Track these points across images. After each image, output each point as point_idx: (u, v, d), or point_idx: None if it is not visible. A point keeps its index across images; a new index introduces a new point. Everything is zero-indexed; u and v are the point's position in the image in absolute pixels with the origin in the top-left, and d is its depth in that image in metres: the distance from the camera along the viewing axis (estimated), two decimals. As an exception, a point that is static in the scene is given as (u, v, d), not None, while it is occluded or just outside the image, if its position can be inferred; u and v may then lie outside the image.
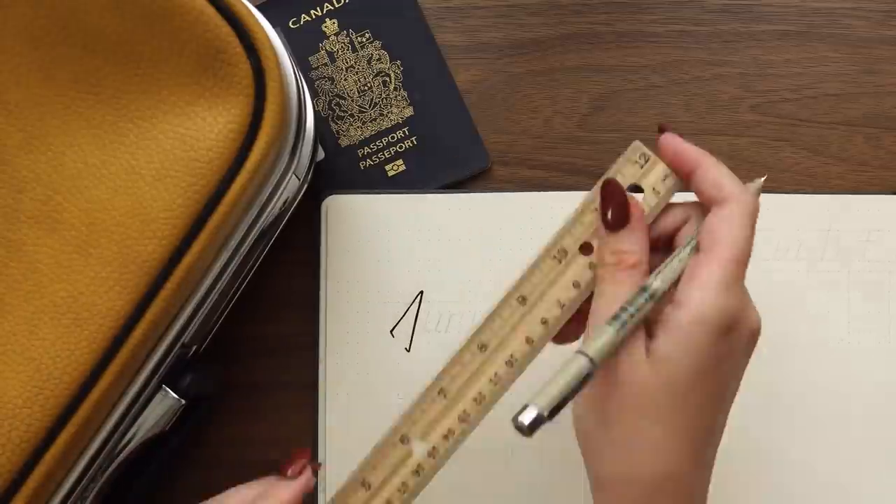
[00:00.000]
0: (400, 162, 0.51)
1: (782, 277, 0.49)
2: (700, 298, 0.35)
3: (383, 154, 0.51)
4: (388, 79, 0.51)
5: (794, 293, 0.49)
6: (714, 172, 0.37)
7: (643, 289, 0.36)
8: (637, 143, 0.38)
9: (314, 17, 0.51)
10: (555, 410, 0.34)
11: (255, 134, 0.37)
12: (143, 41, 0.37)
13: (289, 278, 0.50)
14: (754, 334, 0.37)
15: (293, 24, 0.51)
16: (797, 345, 0.49)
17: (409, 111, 0.51)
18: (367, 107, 0.51)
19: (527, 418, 0.34)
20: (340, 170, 0.51)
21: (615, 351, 0.35)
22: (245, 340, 0.50)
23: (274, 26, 0.39)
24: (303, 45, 0.51)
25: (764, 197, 0.49)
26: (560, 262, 0.38)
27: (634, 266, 0.37)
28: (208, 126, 0.37)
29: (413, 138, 0.51)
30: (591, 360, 0.35)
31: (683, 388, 0.35)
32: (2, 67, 0.37)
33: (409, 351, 0.49)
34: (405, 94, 0.51)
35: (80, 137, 0.37)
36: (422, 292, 0.49)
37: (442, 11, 0.51)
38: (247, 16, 0.37)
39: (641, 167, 0.38)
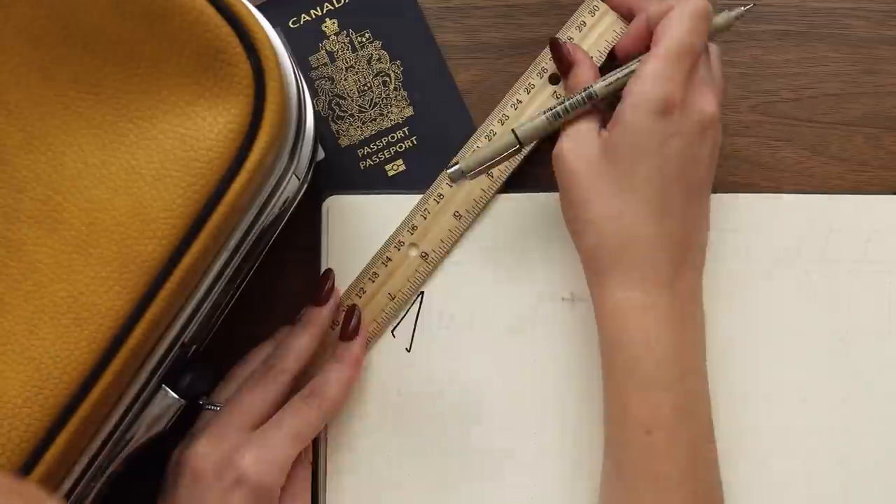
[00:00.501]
0: (400, 162, 0.51)
1: (782, 277, 0.49)
2: (636, 88, 0.41)
3: (383, 154, 0.51)
4: (388, 79, 0.51)
5: (794, 293, 0.49)
6: None
7: (585, 89, 0.43)
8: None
9: (314, 16, 0.51)
10: (476, 172, 0.45)
11: (255, 134, 0.37)
12: (143, 41, 0.37)
13: (289, 278, 0.50)
14: (703, 117, 0.42)
15: (293, 24, 0.51)
16: (796, 345, 0.49)
17: (409, 111, 0.51)
18: (366, 107, 0.51)
19: (452, 170, 0.44)
20: (340, 170, 0.51)
21: (539, 135, 0.44)
22: (245, 340, 0.50)
23: (274, 26, 0.39)
24: (303, 45, 0.51)
25: (764, 197, 0.49)
26: (541, 77, 0.48)
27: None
28: (208, 126, 0.37)
29: (413, 138, 0.51)
30: (516, 136, 0.44)
31: (628, 164, 0.41)
32: (2, 67, 0.37)
33: (409, 351, 0.49)
34: (405, 94, 0.51)
35: (80, 137, 0.37)
36: (422, 292, 0.49)
37: (442, 11, 0.51)
38: (247, 16, 0.37)
39: (593, 15, 0.48)
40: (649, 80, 0.41)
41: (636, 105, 0.41)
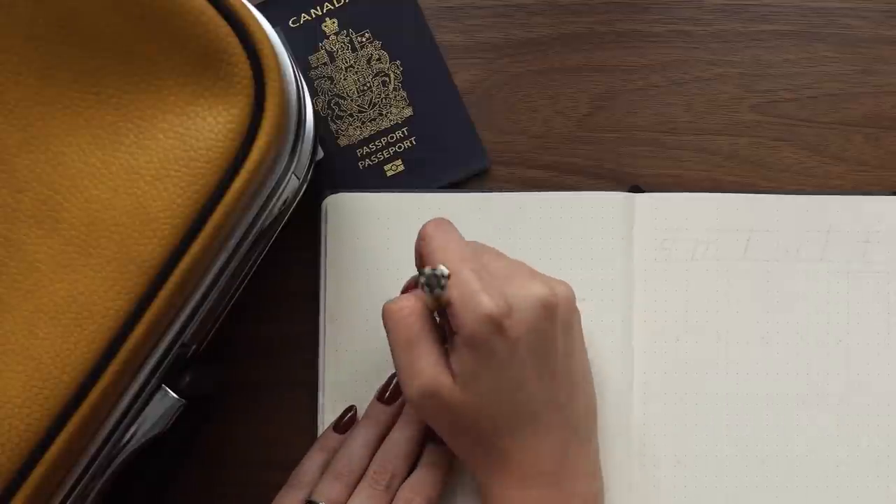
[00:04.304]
0: (399, 162, 0.51)
1: (782, 278, 0.49)
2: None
3: (382, 154, 0.51)
4: (387, 79, 0.51)
5: (794, 294, 0.49)
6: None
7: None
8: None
9: (314, 16, 0.51)
10: None
11: (255, 133, 0.37)
12: (143, 41, 0.37)
13: (289, 278, 0.50)
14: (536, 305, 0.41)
15: (293, 23, 0.51)
16: (796, 345, 0.49)
17: (408, 111, 0.51)
18: (366, 107, 0.51)
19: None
20: (339, 170, 0.51)
21: None
22: (245, 340, 0.50)
23: (274, 26, 0.39)
24: (303, 44, 0.51)
25: (764, 197, 0.49)
26: None
27: None
28: (208, 126, 0.37)
29: (412, 138, 0.51)
30: None
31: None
32: (2, 67, 0.37)
33: (408, 351, 0.49)
34: (404, 94, 0.51)
35: (80, 137, 0.37)
36: (422, 292, 0.49)
37: (442, 11, 0.51)
38: (247, 16, 0.37)
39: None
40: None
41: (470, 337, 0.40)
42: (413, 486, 0.45)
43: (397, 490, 0.45)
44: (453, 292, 0.40)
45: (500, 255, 0.44)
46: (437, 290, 0.39)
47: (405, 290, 0.45)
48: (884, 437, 0.48)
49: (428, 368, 0.41)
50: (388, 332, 0.42)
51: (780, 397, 0.48)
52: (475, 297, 0.40)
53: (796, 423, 0.48)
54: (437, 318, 0.43)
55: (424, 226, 0.43)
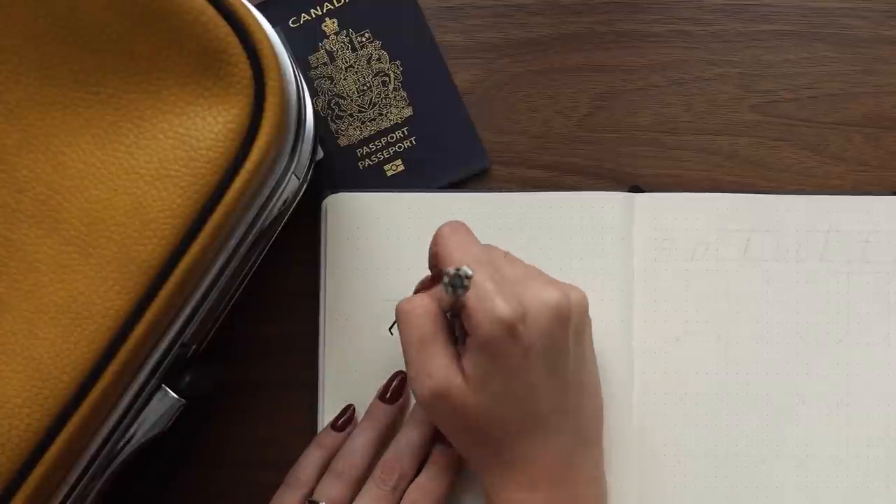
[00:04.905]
0: (399, 162, 0.51)
1: (781, 278, 0.49)
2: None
3: (382, 154, 0.51)
4: (387, 78, 0.51)
5: (794, 294, 0.49)
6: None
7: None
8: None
9: (314, 16, 0.51)
10: None
11: (255, 134, 0.37)
12: (142, 41, 0.37)
13: (288, 278, 0.50)
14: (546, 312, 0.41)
15: (293, 23, 0.51)
16: (796, 346, 0.49)
17: (408, 111, 0.51)
18: (366, 106, 0.51)
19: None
20: (339, 170, 0.51)
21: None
22: (245, 340, 0.50)
23: (274, 26, 0.39)
24: (302, 44, 0.51)
25: (764, 197, 0.49)
26: None
27: None
28: (208, 126, 0.37)
29: (412, 138, 0.51)
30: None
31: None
32: (2, 67, 0.37)
33: (408, 351, 0.49)
34: (404, 94, 0.51)
35: (80, 137, 0.37)
36: (421, 292, 0.49)
37: (442, 11, 0.51)
38: (247, 16, 0.37)
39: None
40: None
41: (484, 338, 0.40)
42: (421, 487, 0.45)
43: (404, 491, 0.45)
44: (469, 294, 0.40)
45: (514, 259, 0.44)
46: (460, 290, 0.38)
47: (418, 291, 0.45)
48: (883, 437, 0.48)
49: (440, 369, 0.41)
50: (400, 331, 0.42)
51: (779, 397, 0.48)
52: (491, 300, 0.40)
53: (796, 423, 0.48)
54: (449, 319, 0.43)
55: (440, 228, 0.43)
